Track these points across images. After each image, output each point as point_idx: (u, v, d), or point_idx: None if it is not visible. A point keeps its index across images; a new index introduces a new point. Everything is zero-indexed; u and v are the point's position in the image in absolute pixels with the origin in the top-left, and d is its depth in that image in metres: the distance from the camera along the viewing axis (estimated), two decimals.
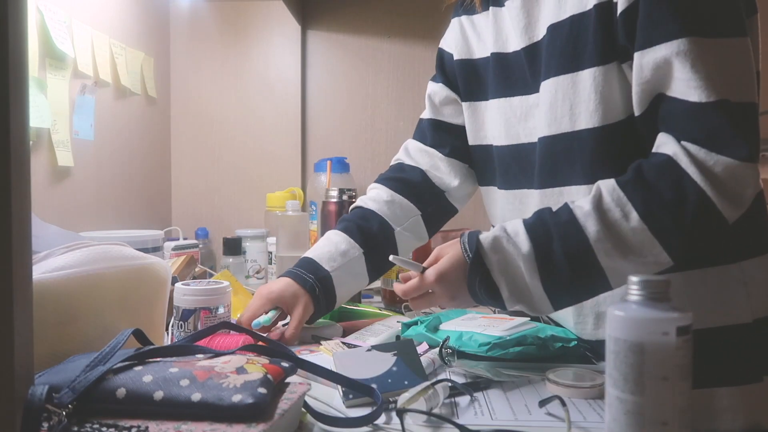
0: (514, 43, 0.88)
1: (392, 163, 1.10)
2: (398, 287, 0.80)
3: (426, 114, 1.07)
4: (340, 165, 1.69)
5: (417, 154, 1.06)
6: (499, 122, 0.91)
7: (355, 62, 1.84)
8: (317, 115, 1.85)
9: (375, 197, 1.03)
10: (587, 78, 0.76)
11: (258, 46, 1.81)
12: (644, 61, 0.70)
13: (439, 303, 0.81)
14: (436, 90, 1.04)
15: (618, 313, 0.51)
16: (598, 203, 0.70)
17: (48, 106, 1.19)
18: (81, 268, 0.73)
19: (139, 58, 1.60)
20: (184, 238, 1.53)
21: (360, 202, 1.04)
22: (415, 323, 0.95)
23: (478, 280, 0.74)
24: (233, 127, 1.82)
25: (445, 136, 1.03)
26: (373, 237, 0.98)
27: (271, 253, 1.40)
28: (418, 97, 1.83)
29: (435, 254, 0.79)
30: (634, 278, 0.52)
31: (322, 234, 1.24)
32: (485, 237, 0.75)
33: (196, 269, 1.26)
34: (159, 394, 0.56)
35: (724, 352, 0.75)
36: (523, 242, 0.72)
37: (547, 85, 0.81)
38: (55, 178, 1.25)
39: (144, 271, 0.80)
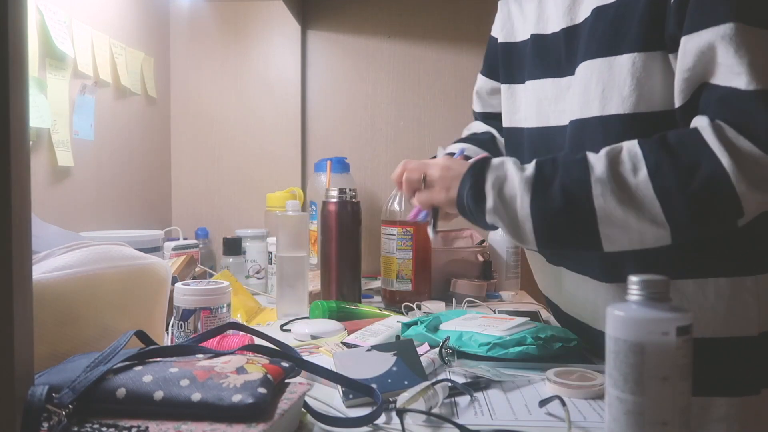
0: (554, 24, 0.87)
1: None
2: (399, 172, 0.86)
3: (477, 107, 1.15)
4: (340, 165, 1.69)
5: (481, 129, 1.14)
6: (533, 104, 0.91)
7: (355, 62, 1.84)
8: (317, 115, 1.85)
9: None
10: (625, 63, 0.74)
11: (258, 46, 1.81)
12: (688, 46, 0.68)
13: (436, 197, 0.81)
14: (482, 84, 1.11)
15: (618, 313, 0.51)
16: (613, 153, 0.70)
17: (48, 106, 1.19)
18: (81, 268, 0.73)
19: (139, 58, 1.60)
20: (184, 238, 1.53)
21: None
22: (415, 323, 0.95)
23: (470, 184, 0.76)
24: (233, 127, 1.82)
25: (499, 125, 1.07)
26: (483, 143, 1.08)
27: (271, 253, 1.39)
28: (418, 97, 1.83)
29: None
30: (634, 278, 0.52)
31: (322, 234, 1.24)
32: (496, 159, 0.79)
33: (196, 269, 1.26)
34: (159, 394, 0.56)
35: (726, 362, 0.75)
36: (529, 168, 0.75)
37: (584, 68, 0.79)
38: (55, 178, 1.25)
39: (144, 271, 0.80)
